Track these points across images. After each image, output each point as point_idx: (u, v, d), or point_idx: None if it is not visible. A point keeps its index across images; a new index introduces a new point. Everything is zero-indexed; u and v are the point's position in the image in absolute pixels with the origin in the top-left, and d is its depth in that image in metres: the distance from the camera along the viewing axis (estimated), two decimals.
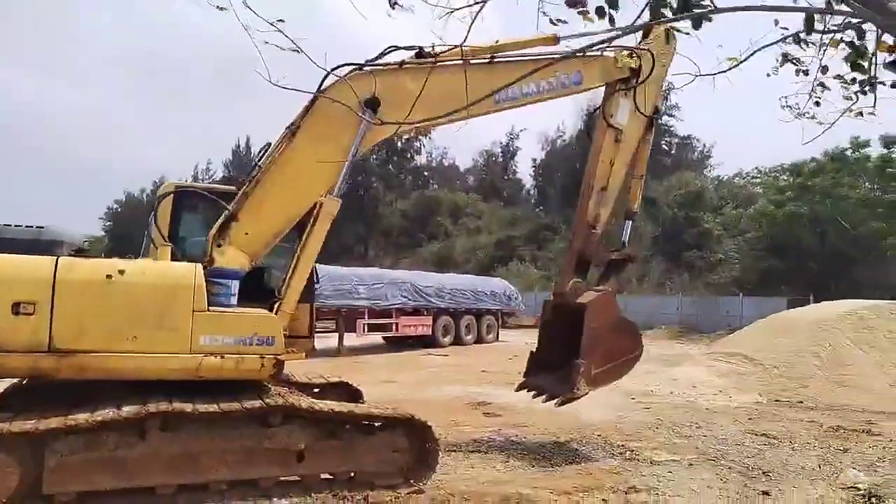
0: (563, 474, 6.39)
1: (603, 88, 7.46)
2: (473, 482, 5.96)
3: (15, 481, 4.60)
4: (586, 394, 6.82)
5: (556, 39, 6.76)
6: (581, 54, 6.67)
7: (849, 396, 10.88)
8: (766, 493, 5.82)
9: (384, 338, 20.71)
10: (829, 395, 10.98)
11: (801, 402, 10.87)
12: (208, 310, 5.17)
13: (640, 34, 7.19)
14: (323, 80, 5.50)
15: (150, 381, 5.07)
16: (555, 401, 6.99)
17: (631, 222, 7.82)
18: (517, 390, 7.69)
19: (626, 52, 7.06)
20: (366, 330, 18.89)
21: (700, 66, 4.42)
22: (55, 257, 5.03)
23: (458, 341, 21.65)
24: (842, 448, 7.56)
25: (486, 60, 6.50)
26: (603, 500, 5.54)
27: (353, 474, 5.56)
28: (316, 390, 7.05)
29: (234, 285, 5.39)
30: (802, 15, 4.11)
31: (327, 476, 5.50)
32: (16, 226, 13.63)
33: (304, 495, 5.29)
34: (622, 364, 7.07)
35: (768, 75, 5.10)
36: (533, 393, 7.41)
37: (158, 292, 5.12)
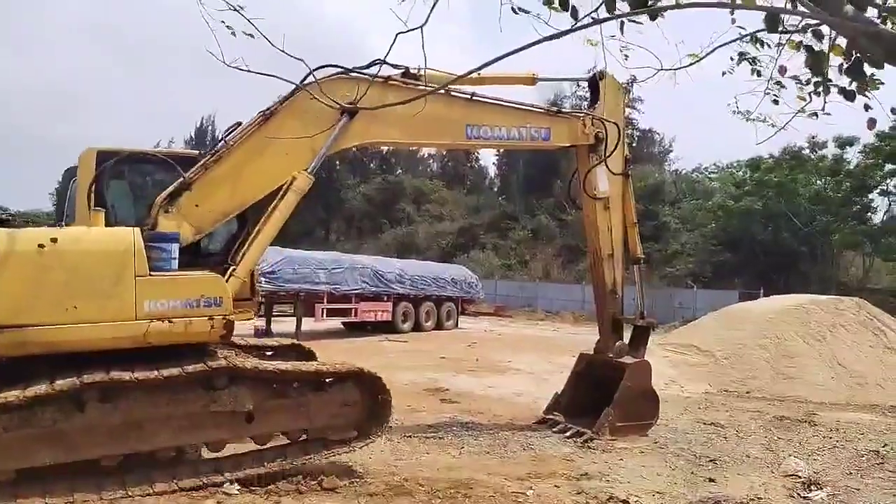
0: (517, 461, 6.48)
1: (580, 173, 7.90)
2: (428, 468, 6.01)
3: None
4: (603, 440, 7.21)
5: (533, 80, 7.63)
6: (555, 112, 7.64)
7: (793, 388, 11.28)
8: (712, 479, 6.01)
9: (343, 323, 20.60)
10: (775, 387, 11.37)
11: (749, 392, 11.23)
12: (150, 274, 5.02)
13: (588, 93, 8.04)
14: (306, 77, 5.39)
15: (95, 352, 4.88)
16: (577, 438, 7.32)
17: (643, 290, 8.25)
18: (541, 421, 8.13)
19: (589, 121, 7.57)
20: (325, 315, 18.74)
21: (662, 60, 4.48)
22: None
23: (417, 328, 21.67)
24: (785, 437, 7.84)
25: (468, 96, 6.87)
26: (555, 485, 5.64)
27: (305, 432, 5.53)
28: (269, 353, 6.95)
29: (174, 249, 5.24)
30: (761, 14, 4.18)
31: (281, 438, 5.47)
32: None
33: (257, 467, 5.22)
34: (639, 426, 7.64)
35: (724, 74, 5.19)
36: (557, 426, 7.76)
37: (96, 259, 4.94)
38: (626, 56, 4.86)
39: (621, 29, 4.19)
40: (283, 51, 3.50)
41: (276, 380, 5.38)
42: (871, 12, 3.66)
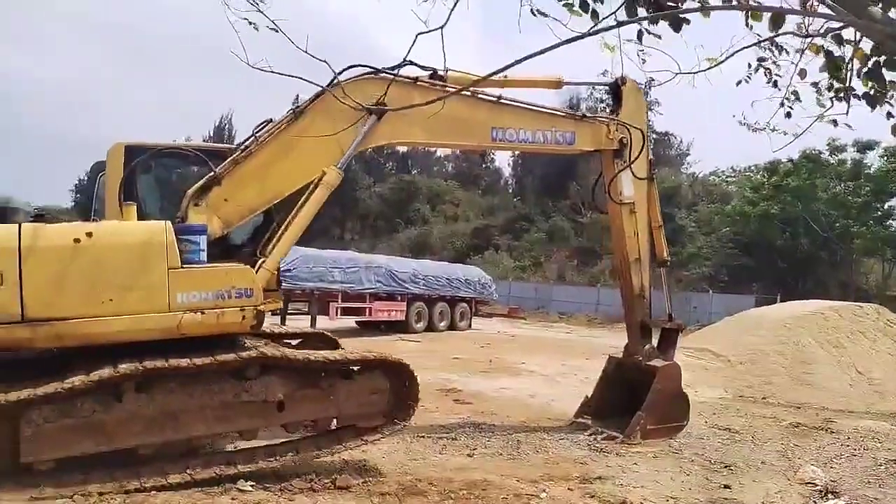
0: (531, 463, 6.46)
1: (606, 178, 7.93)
2: (441, 468, 6.00)
3: None
4: (634, 443, 7.23)
5: (559, 84, 7.74)
6: (580, 116, 7.66)
7: (810, 394, 11.15)
8: (726, 485, 5.95)
9: (357, 322, 20.66)
10: (792, 393, 11.24)
11: (765, 398, 11.12)
12: (182, 267, 5.11)
13: (610, 97, 8.06)
14: (335, 78, 5.53)
15: (128, 343, 4.96)
16: (609, 440, 7.35)
17: (670, 292, 8.44)
18: (571, 423, 8.15)
19: (614, 126, 7.60)
20: (339, 313, 18.82)
21: (681, 64, 4.46)
22: (16, 224, 4.85)
23: (431, 328, 21.68)
24: (801, 444, 7.75)
25: (494, 99, 6.92)
26: (568, 489, 5.62)
27: (335, 420, 5.64)
28: (295, 342, 6.99)
29: (203, 241, 5.33)
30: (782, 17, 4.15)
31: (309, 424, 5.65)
32: None
33: (268, 460, 5.28)
34: (670, 429, 7.68)
35: (738, 83, 5.14)
36: (588, 430, 7.77)
37: (130, 252, 5.02)
38: (644, 60, 4.85)
39: (640, 38, 4.18)
40: (305, 52, 3.55)
41: (307, 368, 5.44)
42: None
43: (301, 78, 3.72)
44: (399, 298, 20.63)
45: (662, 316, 8.18)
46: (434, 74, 6.43)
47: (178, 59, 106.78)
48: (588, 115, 7.92)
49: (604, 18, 3.68)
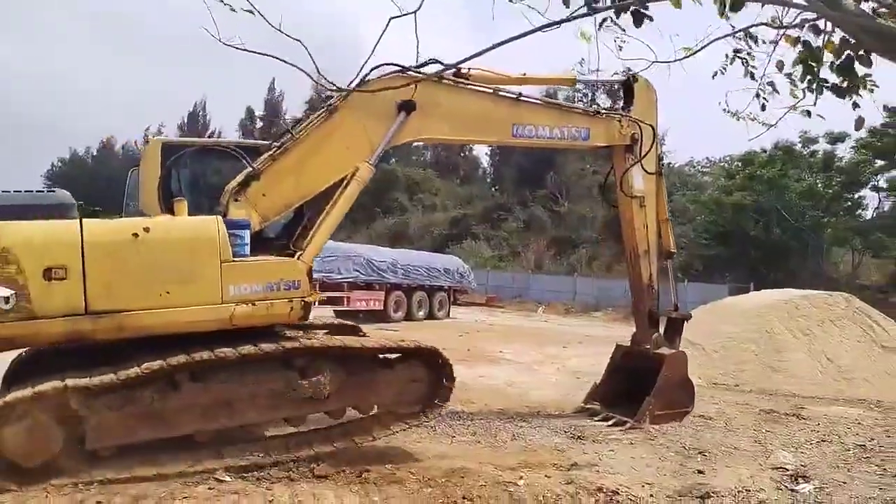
0: (508, 450, 6.51)
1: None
2: (419, 456, 6.03)
3: (59, 440, 4.65)
4: (643, 428, 7.44)
5: (574, 81, 8.25)
6: (594, 112, 7.97)
7: (782, 381, 11.36)
8: (700, 471, 6.05)
9: (335, 311, 20.59)
10: (764, 380, 11.45)
11: (738, 385, 11.31)
12: (234, 260, 5.27)
13: (622, 95, 8.26)
14: (366, 75, 5.72)
15: (176, 335, 5.10)
16: (617, 427, 7.53)
17: (675, 283, 8.75)
18: (580, 410, 8.33)
19: (626, 122, 7.83)
20: (316, 303, 18.72)
21: (657, 55, 4.49)
22: (77, 220, 4.97)
23: (409, 317, 21.71)
24: (773, 430, 7.91)
25: (514, 96, 7.13)
26: (546, 475, 5.67)
27: (376, 407, 5.84)
28: (323, 332, 7.09)
29: (247, 235, 5.49)
30: (756, 8, 4.19)
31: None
32: (5, 191, 13.07)
33: (329, 445, 5.51)
34: (677, 414, 7.92)
35: (714, 75, 5.20)
36: (598, 415, 8.00)
37: (186, 246, 5.19)
38: (621, 47, 4.87)
39: (600, 27, 4.21)
40: (279, 30, 3.50)
41: (350, 356, 5.62)
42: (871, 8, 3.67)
43: (273, 56, 3.66)
44: (377, 288, 20.61)
45: (669, 306, 8.46)
46: (458, 73, 6.56)
47: (153, 46, 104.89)
48: (602, 110, 8.13)
49: (578, 8, 3.69)
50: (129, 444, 4.87)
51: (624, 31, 4.36)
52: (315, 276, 21.23)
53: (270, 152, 5.92)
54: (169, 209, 5.56)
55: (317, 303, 18.00)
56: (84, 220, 5.00)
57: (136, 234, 5.01)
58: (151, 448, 4.94)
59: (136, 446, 4.89)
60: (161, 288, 5.04)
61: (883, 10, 3.65)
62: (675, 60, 4.40)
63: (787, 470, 6.16)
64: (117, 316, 4.91)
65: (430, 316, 22.71)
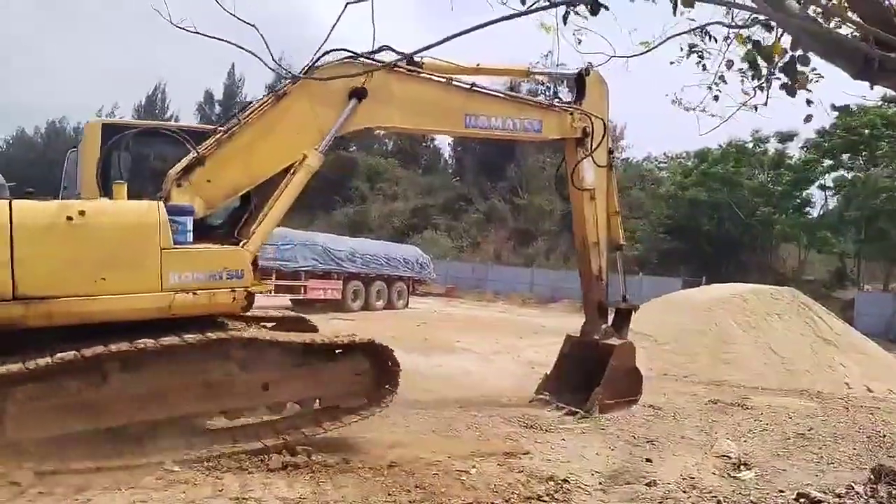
0: (462, 439, 6.58)
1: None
2: (373, 446, 6.01)
3: None
4: (593, 416, 7.60)
5: (528, 73, 8.21)
6: (546, 105, 7.93)
7: (729, 372, 11.70)
8: (648, 459, 6.21)
9: (292, 300, 20.37)
10: (712, 371, 11.77)
11: (687, 376, 11.60)
12: (174, 247, 5.08)
13: (574, 89, 8.27)
14: (317, 60, 5.62)
15: (111, 323, 4.91)
16: (570, 415, 7.68)
17: (624, 275, 8.85)
18: (532, 401, 8.36)
19: (577, 115, 7.87)
20: (273, 291, 18.50)
21: (616, 48, 4.54)
22: (6, 201, 4.71)
23: (367, 307, 21.62)
24: (719, 420, 8.14)
25: (468, 87, 7.09)
26: (498, 464, 5.74)
27: (318, 400, 5.73)
28: (271, 325, 6.95)
29: (189, 222, 5.31)
30: (712, 9, 4.28)
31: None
32: None
33: (273, 438, 5.39)
34: (626, 402, 8.10)
35: (672, 63, 5.34)
36: (549, 404, 8.12)
37: (124, 231, 4.99)
38: (580, 41, 4.92)
39: (565, 20, 4.25)
40: (233, 14, 3.42)
41: (290, 350, 5.51)
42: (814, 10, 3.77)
43: (226, 41, 3.58)
44: (335, 277, 20.45)
45: (617, 297, 8.57)
46: (410, 61, 6.46)
47: (105, 23, 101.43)
48: (555, 103, 8.13)
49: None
50: (63, 435, 4.63)
51: (586, 18, 4.39)
52: (272, 264, 20.90)
53: (216, 137, 5.74)
54: (108, 193, 5.35)
55: (272, 292, 17.95)
56: (14, 201, 4.76)
57: (70, 218, 4.77)
58: (92, 441, 4.74)
59: (72, 438, 4.66)
60: (96, 274, 4.83)
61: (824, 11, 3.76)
62: (634, 56, 4.47)
63: (731, 458, 6.36)
64: (49, 302, 4.68)
65: (389, 306, 22.65)
